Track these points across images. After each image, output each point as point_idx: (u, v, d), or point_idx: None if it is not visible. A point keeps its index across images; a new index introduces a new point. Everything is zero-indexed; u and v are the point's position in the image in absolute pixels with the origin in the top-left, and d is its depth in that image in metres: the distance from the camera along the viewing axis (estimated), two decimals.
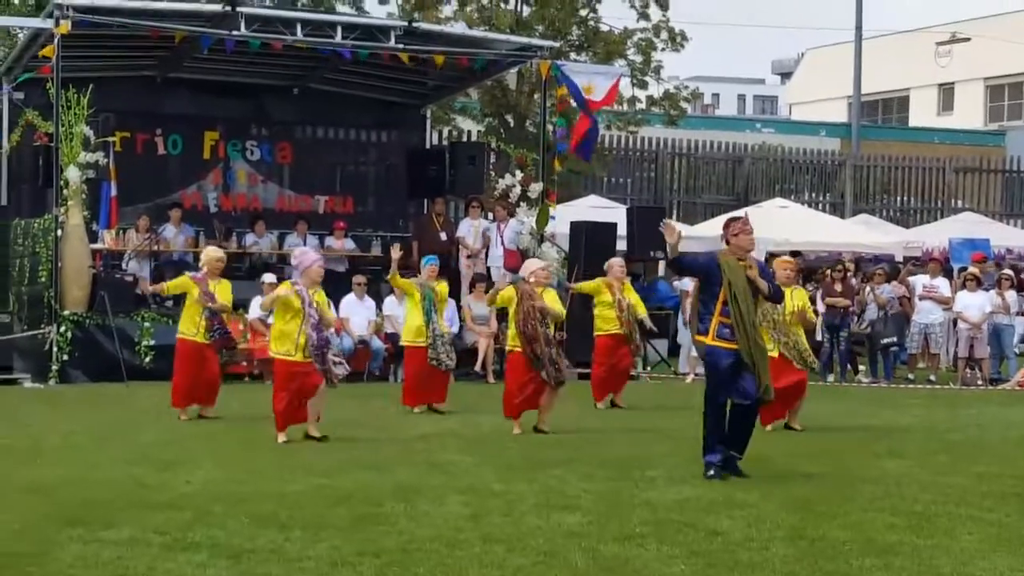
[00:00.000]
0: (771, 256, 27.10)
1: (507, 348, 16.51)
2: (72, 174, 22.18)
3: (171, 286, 17.75)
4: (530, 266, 16.64)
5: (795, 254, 28.00)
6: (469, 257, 25.88)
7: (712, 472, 12.17)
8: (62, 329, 21.99)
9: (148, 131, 27.19)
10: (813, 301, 25.03)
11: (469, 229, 26.28)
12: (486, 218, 26.65)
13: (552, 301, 16.07)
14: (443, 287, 18.83)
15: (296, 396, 14.74)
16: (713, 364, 12.38)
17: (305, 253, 15.63)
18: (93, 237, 23.54)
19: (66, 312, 22.13)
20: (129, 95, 26.49)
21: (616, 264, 19.84)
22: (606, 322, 19.39)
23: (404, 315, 19.56)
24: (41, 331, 22.23)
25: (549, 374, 15.65)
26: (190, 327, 17.05)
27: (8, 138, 25.00)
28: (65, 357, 21.96)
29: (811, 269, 27.64)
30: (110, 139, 23.78)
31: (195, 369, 17.01)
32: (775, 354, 15.26)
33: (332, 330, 21.51)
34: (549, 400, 15.96)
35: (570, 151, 26.76)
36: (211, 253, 17.77)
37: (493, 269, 25.50)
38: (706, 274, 12.51)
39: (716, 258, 12.44)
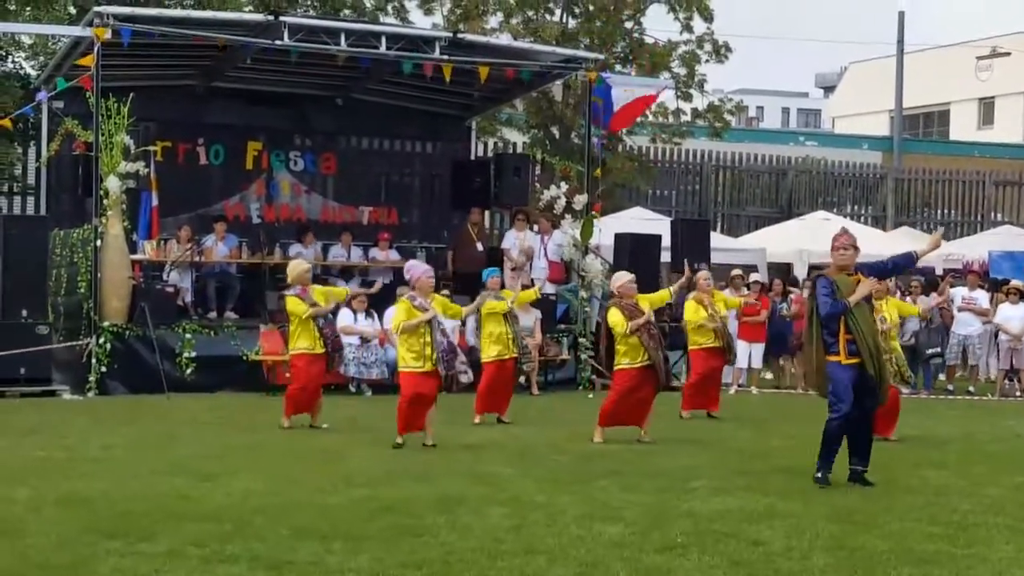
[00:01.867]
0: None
1: (619, 366, 16.28)
2: (112, 184, 22.05)
3: (298, 312, 17.29)
4: (617, 280, 16.73)
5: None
6: (513, 270, 25.66)
7: (820, 475, 12.49)
8: (101, 340, 21.85)
9: (190, 141, 27.07)
10: None
11: (514, 241, 26.07)
12: (531, 230, 26.43)
13: (644, 303, 16.27)
14: (508, 293, 18.86)
15: (418, 404, 15.09)
16: (842, 381, 12.48)
17: (414, 266, 15.95)
18: (132, 248, 23.37)
19: (105, 323, 21.99)
20: (170, 104, 26.37)
21: (702, 276, 20.16)
22: (702, 335, 19.62)
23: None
24: (80, 342, 22.08)
25: (664, 379, 16.02)
26: (307, 341, 17.18)
27: (47, 147, 24.88)
28: (104, 369, 21.82)
29: None
30: (151, 148, 23.66)
31: (312, 380, 17.30)
32: None
33: (376, 342, 21.56)
34: (649, 410, 16.25)
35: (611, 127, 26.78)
36: (296, 267, 17.80)
37: (536, 281, 25.27)
38: (823, 296, 12.64)
39: (827, 280, 12.65)
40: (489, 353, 18.36)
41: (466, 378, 15.50)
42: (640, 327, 15.81)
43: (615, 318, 16.06)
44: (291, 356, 17.64)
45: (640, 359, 15.90)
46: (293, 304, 17.22)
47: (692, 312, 19.73)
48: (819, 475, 12.46)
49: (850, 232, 12.95)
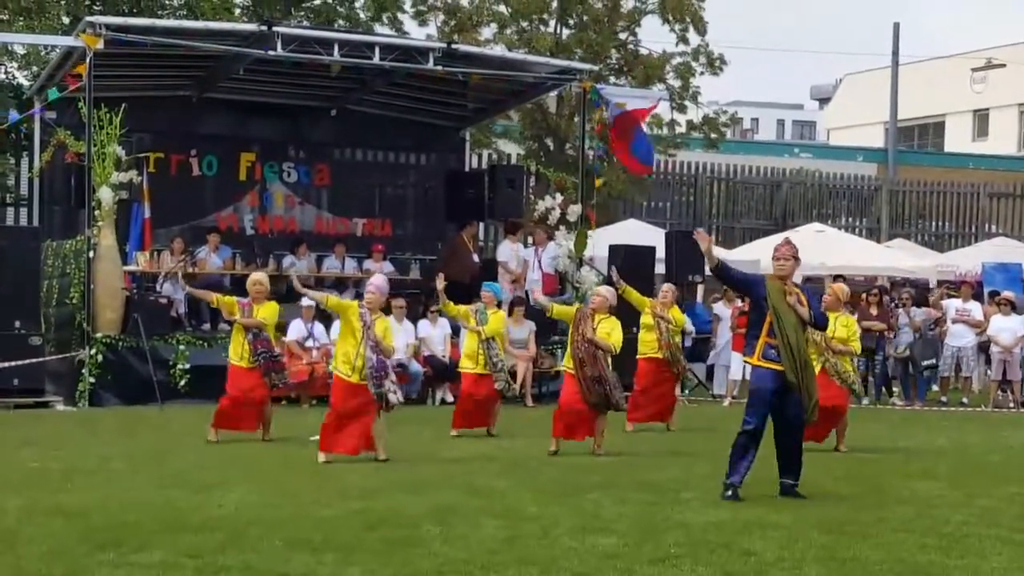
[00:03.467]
0: (807, 280, 26.95)
1: (561, 368, 16.39)
2: (105, 195, 22.03)
3: (220, 299, 17.48)
4: (599, 291, 16.61)
5: (838, 278, 27.85)
6: (513, 282, 25.64)
7: (729, 493, 12.21)
8: (93, 352, 21.79)
9: (183, 152, 26.98)
10: None
11: (510, 253, 26.04)
12: (524, 243, 26.38)
13: (612, 329, 15.93)
14: (498, 316, 18.58)
15: (344, 417, 14.78)
16: (757, 385, 12.44)
17: (375, 278, 15.66)
18: (125, 259, 23.32)
19: (98, 335, 21.94)
20: (163, 115, 26.28)
21: (663, 288, 20.13)
22: (645, 344, 19.44)
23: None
24: (73, 354, 22.02)
25: (594, 400, 15.66)
26: (235, 352, 17.02)
27: (39, 158, 24.82)
28: (92, 380, 21.75)
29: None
30: (143, 156, 23.59)
31: (238, 393, 16.92)
32: (817, 368, 15.20)
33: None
34: (600, 424, 16.00)
35: (629, 168, 26.69)
36: (250, 278, 17.71)
37: (531, 293, 25.24)
38: (752, 294, 12.67)
39: (763, 279, 12.61)
40: (462, 364, 18.42)
41: (394, 398, 15.13)
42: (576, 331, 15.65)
43: (563, 307, 16.31)
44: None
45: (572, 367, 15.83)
46: (230, 298, 17.27)
47: (638, 301, 19.34)
48: (727, 494, 12.18)
49: (792, 243, 12.80)
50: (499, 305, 19.08)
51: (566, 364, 16.16)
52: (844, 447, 16.74)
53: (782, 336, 12.20)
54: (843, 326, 16.82)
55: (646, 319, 19.36)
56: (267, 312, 17.08)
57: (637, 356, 19.54)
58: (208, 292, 18.56)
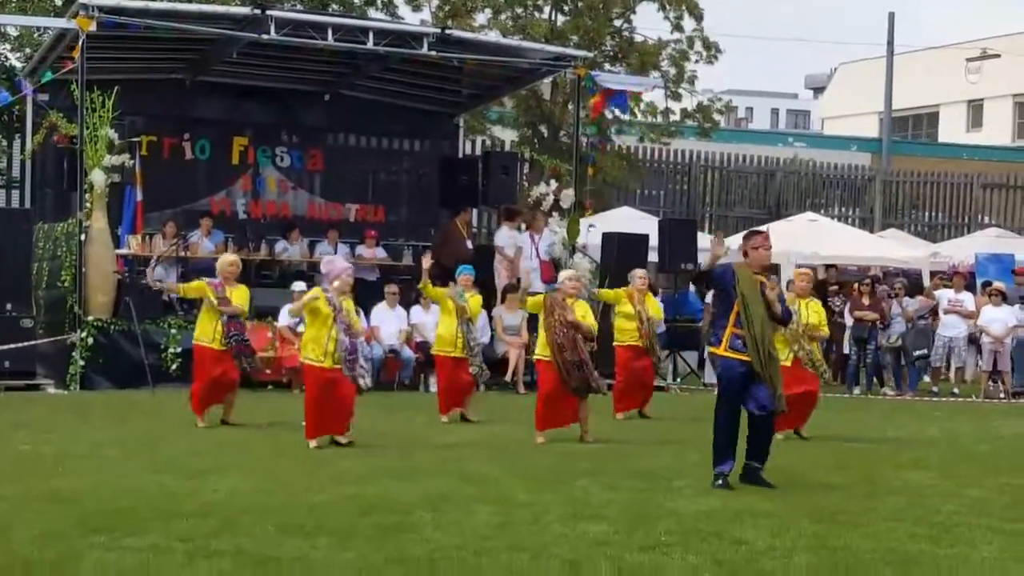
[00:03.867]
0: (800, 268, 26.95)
1: (535, 357, 16.32)
2: (97, 178, 21.96)
3: (187, 288, 17.53)
4: (562, 276, 16.57)
5: (830, 267, 27.88)
6: (510, 262, 25.62)
7: (720, 482, 12.22)
8: (84, 335, 21.74)
9: (175, 135, 26.88)
10: (841, 315, 25.17)
11: (507, 239, 26.00)
12: (519, 229, 26.32)
13: (586, 312, 15.89)
14: (476, 299, 18.56)
15: (327, 403, 14.72)
16: (725, 375, 12.45)
17: (333, 261, 15.68)
18: (118, 242, 23.25)
19: (90, 318, 21.88)
20: (156, 98, 26.19)
21: (637, 275, 19.68)
22: (624, 333, 19.33)
23: (435, 324, 19.34)
24: (64, 337, 21.96)
25: (575, 384, 15.54)
26: (206, 333, 16.93)
27: (31, 140, 24.74)
28: (83, 363, 21.71)
29: (841, 283, 27.61)
30: (135, 140, 23.50)
31: (211, 375, 16.86)
32: (788, 363, 15.42)
33: (362, 339, 21.43)
34: (584, 410, 15.91)
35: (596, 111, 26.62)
36: (223, 259, 17.69)
37: (525, 279, 25.23)
38: (721, 285, 12.53)
39: (731, 269, 12.44)
40: (439, 348, 18.38)
41: (363, 383, 15.10)
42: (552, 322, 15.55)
43: (533, 300, 16.37)
44: (194, 345, 17.30)
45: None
46: (199, 283, 17.24)
47: (613, 297, 19.44)
48: (719, 482, 12.22)
49: (765, 232, 12.70)
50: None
51: (540, 353, 15.96)
52: (805, 433, 16.66)
53: (748, 327, 12.17)
54: (814, 312, 16.82)
55: (626, 308, 19.28)
56: (241, 296, 17.05)
57: (615, 343, 19.50)
58: (174, 284, 18.39)
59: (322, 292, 14.87)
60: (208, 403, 17.01)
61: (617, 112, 30.18)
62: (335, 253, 26.31)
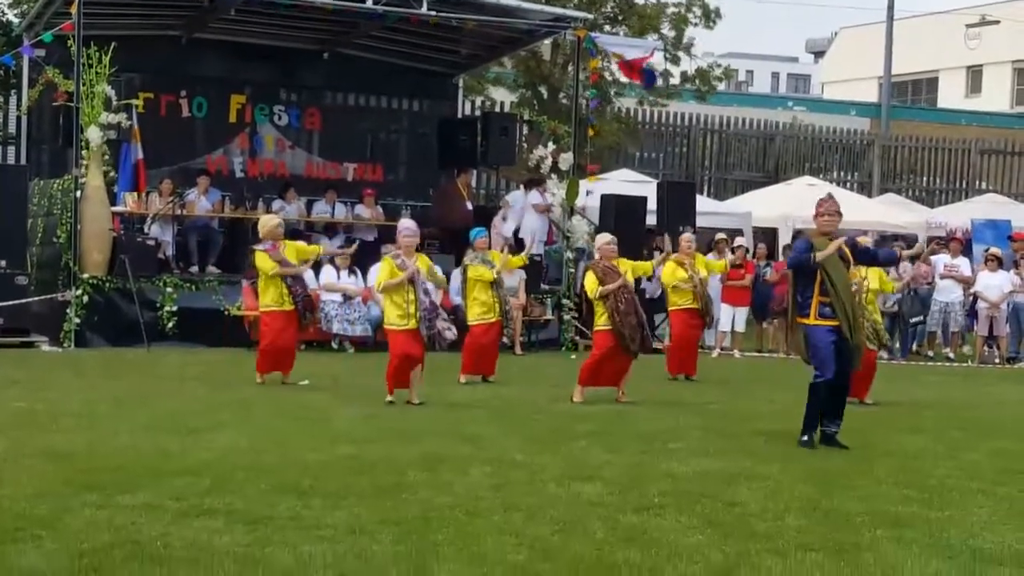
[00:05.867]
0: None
1: (596, 329, 16.35)
2: (93, 134, 21.82)
3: (264, 268, 17.21)
4: (597, 242, 16.78)
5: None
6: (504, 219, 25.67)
7: (806, 438, 12.65)
8: (80, 292, 21.63)
9: (172, 93, 26.62)
10: None
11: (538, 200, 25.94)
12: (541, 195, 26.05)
13: (627, 270, 16.25)
14: (496, 255, 18.79)
15: (405, 362, 15.08)
16: (817, 344, 12.65)
17: (405, 222, 16.25)
18: (113, 200, 23.11)
19: (85, 275, 21.78)
20: (154, 55, 25.93)
21: (683, 240, 20.10)
22: (681, 296, 19.60)
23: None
24: (59, 294, 21.86)
25: (638, 346, 15.90)
26: (274, 298, 17.08)
27: (27, 96, 24.60)
28: (78, 321, 21.61)
29: None
30: (133, 101, 23.34)
31: (281, 337, 17.12)
32: None
33: (359, 299, 21.41)
34: (627, 372, 16.24)
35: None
36: (268, 222, 17.63)
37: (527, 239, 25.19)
38: (805, 263, 12.68)
39: (807, 240, 12.80)
40: (474, 315, 18.24)
41: (450, 334, 15.49)
42: (610, 292, 15.77)
43: (589, 281, 16.20)
44: (261, 313, 17.56)
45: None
46: (261, 260, 17.13)
47: (670, 273, 19.69)
48: (804, 438, 12.62)
49: (835, 199, 13.00)
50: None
51: (598, 324, 16.14)
52: (870, 399, 16.81)
53: (834, 293, 12.46)
54: (876, 276, 17.24)
55: (680, 273, 19.50)
56: (292, 252, 17.26)
57: (669, 309, 19.98)
58: (294, 266, 17.69)
59: (392, 260, 15.12)
60: (274, 364, 17.22)
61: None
62: (332, 213, 26.23)
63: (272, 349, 17.14)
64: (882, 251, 13.10)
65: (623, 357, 16.03)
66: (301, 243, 18.26)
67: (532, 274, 24.06)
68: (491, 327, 18.11)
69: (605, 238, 16.65)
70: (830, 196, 13.07)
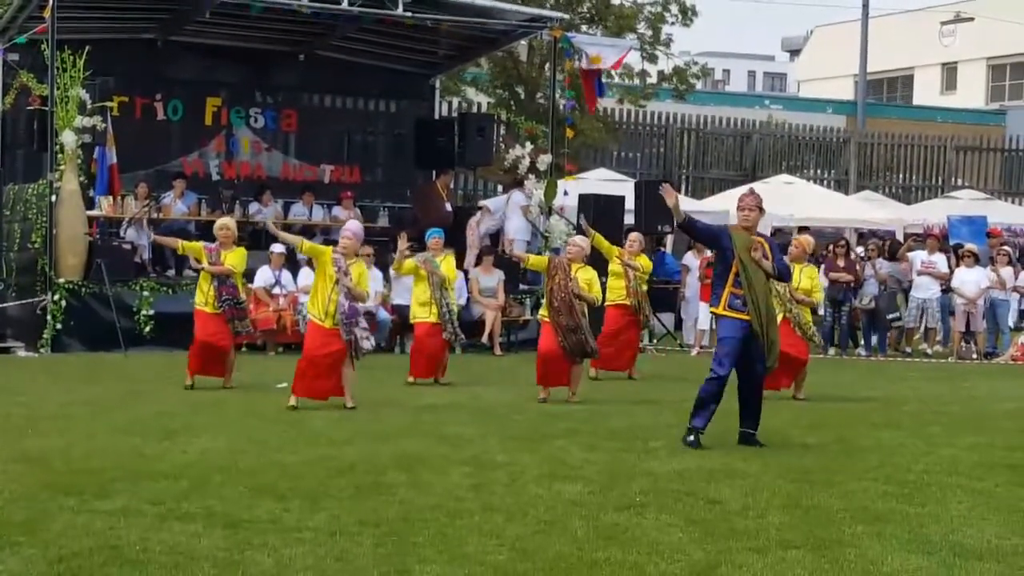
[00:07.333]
0: (776, 231, 26.86)
1: (539, 317, 16.50)
2: (67, 138, 21.77)
3: (186, 245, 17.52)
4: (575, 241, 16.71)
5: (803, 230, 27.80)
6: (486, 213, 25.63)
7: (692, 438, 12.29)
8: (56, 297, 21.54)
9: (148, 96, 26.57)
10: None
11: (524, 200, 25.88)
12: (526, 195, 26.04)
13: (591, 280, 16.09)
14: (448, 260, 18.45)
15: (314, 362, 14.74)
16: (724, 335, 12.53)
17: (350, 223, 15.93)
18: (89, 204, 23.02)
19: (61, 280, 21.69)
20: (128, 58, 25.85)
21: (631, 237, 19.97)
22: (615, 292, 19.33)
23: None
24: (35, 299, 21.77)
25: (569, 348, 15.77)
26: (201, 297, 16.94)
27: (1, 100, 24.51)
28: (59, 326, 21.54)
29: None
30: (108, 104, 23.25)
31: (205, 338, 16.85)
32: (780, 319, 15.32)
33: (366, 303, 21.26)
34: (576, 373, 16.13)
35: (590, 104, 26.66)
36: (217, 222, 17.62)
37: (505, 245, 25.16)
38: (717, 245, 12.70)
39: (727, 231, 12.62)
40: (415, 314, 18.26)
41: (368, 344, 15.03)
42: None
43: (536, 259, 16.60)
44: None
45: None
46: (197, 244, 17.28)
47: (607, 250, 19.28)
48: (690, 438, 12.27)
49: (756, 194, 12.79)
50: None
51: (543, 313, 16.22)
52: (802, 395, 16.96)
53: (748, 286, 12.27)
54: (808, 277, 17.05)
55: (615, 267, 19.33)
56: (235, 258, 17.01)
57: (605, 303, 19.42)
58: (174, 239, 18.48)
59: (331, 251, 14.91)
60: (201, 367, 16.96)
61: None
62: (309, 215, 26.19)
63: (197, 349, 16.89)
64: (779, 263, 12.78)
65: (562, 356, 15.90)
66: (243, 251, 17.53)
67: (511, 275, 24.04)
68: (433, 328, 17.95)
69: (577, 241, 16.60)
70: (752, 191, 12.90)
